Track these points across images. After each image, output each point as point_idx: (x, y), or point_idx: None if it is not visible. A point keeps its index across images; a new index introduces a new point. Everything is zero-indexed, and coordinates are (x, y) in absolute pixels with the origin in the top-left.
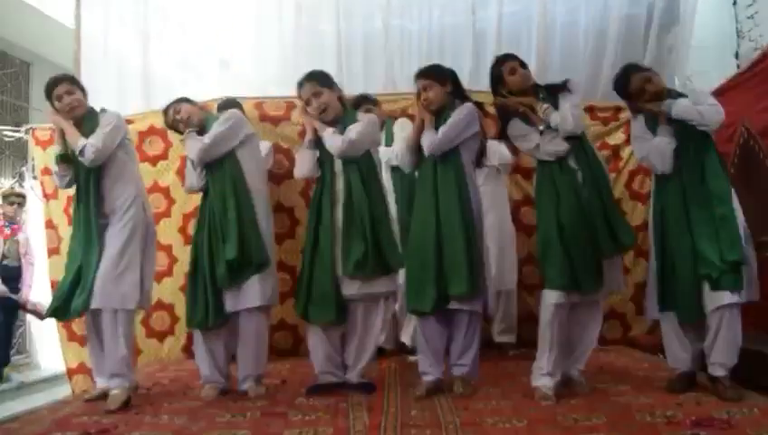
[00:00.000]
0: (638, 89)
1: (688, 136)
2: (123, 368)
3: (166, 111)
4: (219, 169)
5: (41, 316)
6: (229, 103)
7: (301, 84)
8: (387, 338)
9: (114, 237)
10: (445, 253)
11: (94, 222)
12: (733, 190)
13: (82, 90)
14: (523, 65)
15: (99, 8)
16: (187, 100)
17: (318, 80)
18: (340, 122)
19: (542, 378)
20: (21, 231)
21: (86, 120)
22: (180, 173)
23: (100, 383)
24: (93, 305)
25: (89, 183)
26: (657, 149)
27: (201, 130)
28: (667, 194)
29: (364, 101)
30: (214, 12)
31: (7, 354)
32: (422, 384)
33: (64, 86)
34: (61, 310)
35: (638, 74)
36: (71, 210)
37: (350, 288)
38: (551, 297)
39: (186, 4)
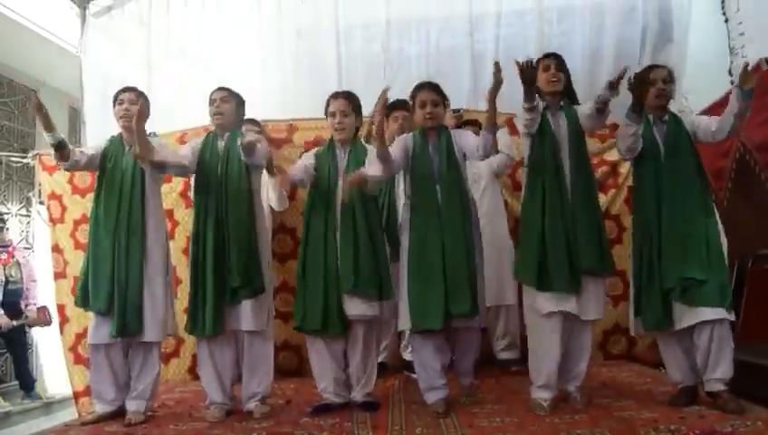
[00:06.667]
0: (653, 80)
1: (677, 145)
2: (156, 388)
3: (219, 90)
4: (235, 190)
5: (48, 323)
6: (249, 122)
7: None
8: (389, 354)
9: (158, 265)
10: (448, 273)
11: (138, 236)
12: (714, 208)
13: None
14: (560, 68)
15: (103, 36)
16: (240, 102)
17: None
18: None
19: (539, 391)
20: (17, 250)
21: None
22: (183, 195)
23: (101, 408)
24: (146, 339)
25: (132, 197)
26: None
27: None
28: (644, 207)
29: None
30: (215, 37)
31: (29, 374)
32: (439, 402)
33: (131, 95)
34: (84, 299)
35: (660, 70)
36: (77, 235)
37: (352, 308)
38: (537, 310)
39: (187, 30)
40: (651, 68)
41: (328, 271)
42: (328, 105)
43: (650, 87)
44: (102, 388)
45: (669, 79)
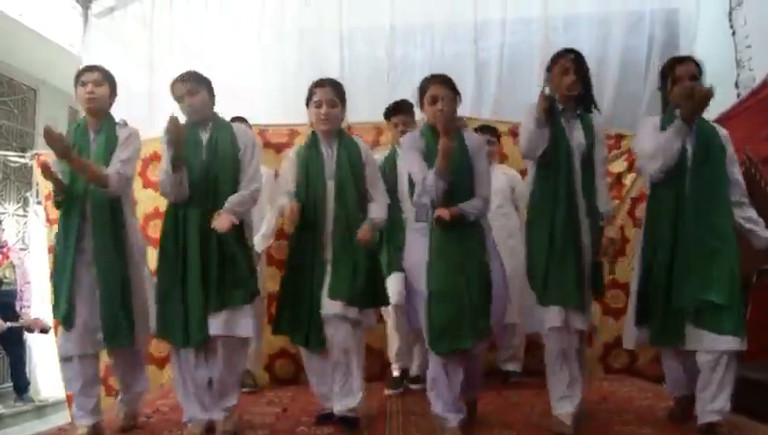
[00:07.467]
0: (679, 77)
1: (709, 152)
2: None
3: (182, 82)
4: (224, 185)
5: (46, 330)
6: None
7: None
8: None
9: (137, 269)
10: (472, 287)
11: (117, 239)
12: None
13: (113, 90)
14: (579, 69)
15: (105, 36)
16: (209, 85)
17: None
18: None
19: (560, 404)
20: (11, 251)
21: (102, 123)
22: None
23: (87, 422)
24: (137, 345)
25: (105, 209)
26: (664, 145)
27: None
28: (661, 214)
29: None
30: (218, 38)
31: (24, 376)
32: (453, 429)
33: (94, 75)
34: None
35: (687, 65)
36: None
37: (329, 307)
38: (548, 322)
39: (190, 31)
40: (676, 61)
41: (314, 289)
42: (312, 94)
43: (675, 84)
44: (83, 399)
45: (698, 74)
